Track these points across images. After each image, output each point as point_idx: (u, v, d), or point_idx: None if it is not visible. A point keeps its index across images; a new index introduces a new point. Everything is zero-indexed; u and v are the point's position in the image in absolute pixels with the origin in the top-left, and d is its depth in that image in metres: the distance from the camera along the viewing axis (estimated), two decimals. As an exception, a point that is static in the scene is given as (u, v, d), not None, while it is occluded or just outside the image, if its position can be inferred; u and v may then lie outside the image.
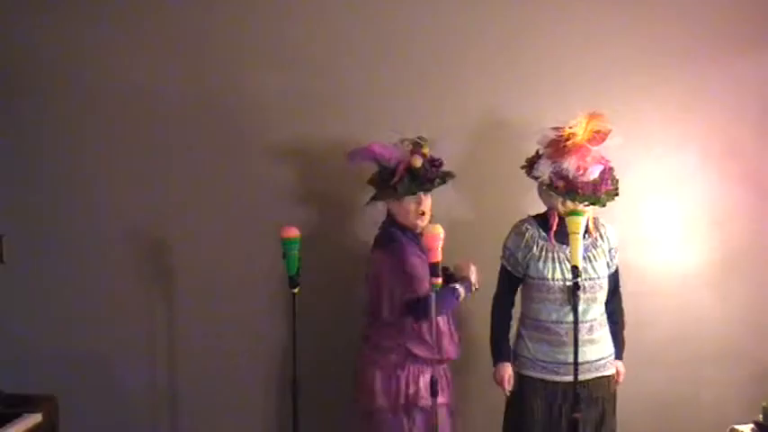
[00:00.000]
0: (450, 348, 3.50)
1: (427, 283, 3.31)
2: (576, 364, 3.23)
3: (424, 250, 3.34)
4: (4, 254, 3.86)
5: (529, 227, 3.53)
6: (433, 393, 3.26)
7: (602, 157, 3.44)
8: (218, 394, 3.93)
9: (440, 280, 3.24)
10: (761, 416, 3.44)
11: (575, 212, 3.28)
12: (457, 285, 3.45)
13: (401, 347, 3.45)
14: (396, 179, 3.45)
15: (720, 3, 3.98)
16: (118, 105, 3.87)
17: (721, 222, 4.02)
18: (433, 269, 3.23)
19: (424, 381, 3.42)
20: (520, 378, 3.54)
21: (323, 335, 3.79)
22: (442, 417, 3.44)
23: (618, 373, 3.58)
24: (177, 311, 3.92)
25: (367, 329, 3.55)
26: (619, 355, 3.58)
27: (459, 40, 3.92)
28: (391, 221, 3.54)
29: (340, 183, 3.91)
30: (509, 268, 3.56)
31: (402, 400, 3.44)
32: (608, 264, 3.53)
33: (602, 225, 3.58)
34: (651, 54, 3.93)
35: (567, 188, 3.39)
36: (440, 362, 3.46)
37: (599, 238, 3.54)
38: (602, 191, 3.41)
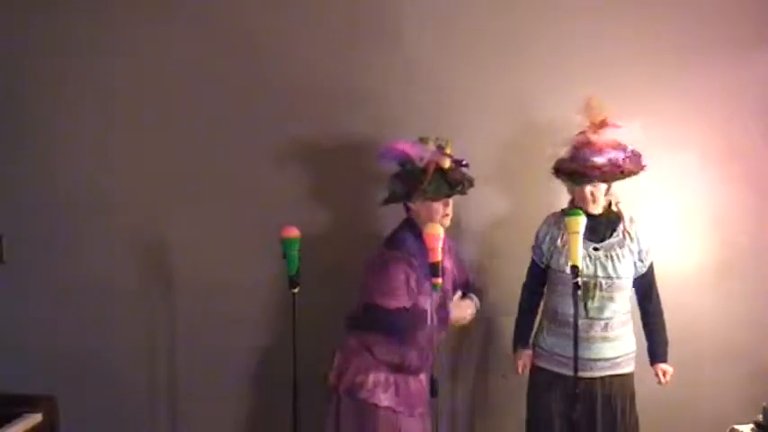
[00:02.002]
0: (420, 357, 3.43)
1: (399, 301, 3.35)
2: (575, 360, 3.23)
3: (445, 261, 3.41)
4: (4, 254, 3.86)
5: (558, 219, 3.56)
6: (433, 393, 3.27)
7: (617, 144, 3.45)
8: (217, 394, 3.94)
9: (440, 280, 3.24)
10: (761, 416, 3.44)
11: (574, 212, 3.29)
12: (449, 310, 3.47)
13: (363, 340, 3.47)
14: (427, 179, 3.41)
15: (721, 2, 3.98)
16: (119, 106, 3.87)
17: (721, 222, 4.01)
18: (433, 269, 3.22)
19: (374, 377, 3.43)
20: (537, 370, 3.57)
21: (323, 335, 3.79)
22: (389, 420, 3.43)
23: (664, 372, 3.57)
24: (177, 311, 3.92)
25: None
26: (661, 357, 3.58)
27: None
28: (409, 221, 3.52)
29: (341, 182, 3.91)
30: (534, 257, 3.62)
31: (346, 385, 3.44)
32: (635, 264, 3.53)
33: (634, 223, 3.56)
34: (651, 54, 3.93)
35: (573, 171, 3.44)
36: (397, 368, 3.44)
37: (627, 238, 3.53)
38: (610, 173, 3.42)
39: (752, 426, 3.47)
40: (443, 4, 3.89)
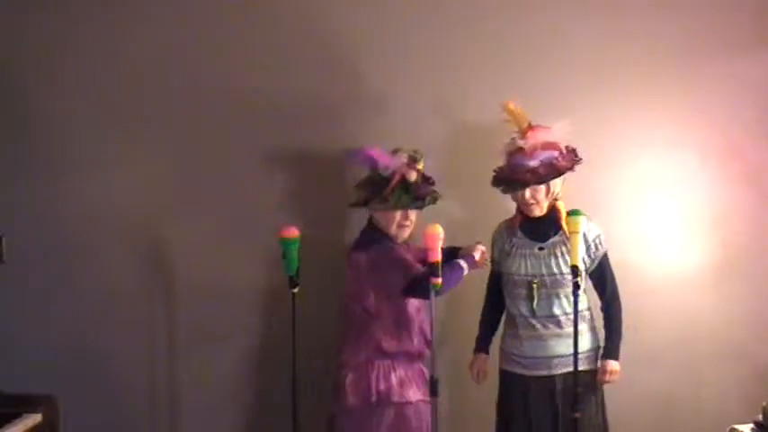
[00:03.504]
0: (421, 339, 3.54)
1: (418, 268, 3.40)
2: (575, 356, 3.25)
3: (418, 251, 3.46)
4: (4, 254, 3.86)
5: (507, 226, 3.64)
6: (433, 393, 3.27)
7: (548, 144, 3.48)
8: (217, 394, 3.93)
9: (440, 280, 3.24)
10: (761, 415, 3.44)
11: (575, 212, 3.29)
12: (459, 260, 3.49)
13: (370, 346, 3.49)
14: (389, 190, 3.48)
15: (720, 2, 3.98)
16: (118, 106, 3.87)
17: (721, 222, 4.02)
18: (433, 269, 3.23)
19: (397, 377, 3.47)
20: (501, 373, 3.62)
21: (323, 335, 3.79)
22: (420, 412, 3.46)
23: (603, 371, 3.51)
24: (177, 311, 3.92)
25: (342, 332, 3.61)
26: (607, 354, 3.53)
27: (455, 42, 3.92)
28: (372, 227, 3.58)
29: (340, 183, 3.91)
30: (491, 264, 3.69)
31: (374, 398, 3.45)
32: (583, 260, 3.51)
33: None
34: (650, 53, 3.94)
35: (508, 178, 3.50)
36: (411, 355, 3.50)
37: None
38: (545, 174, 3.45)
39: (752, 426, 3.46)
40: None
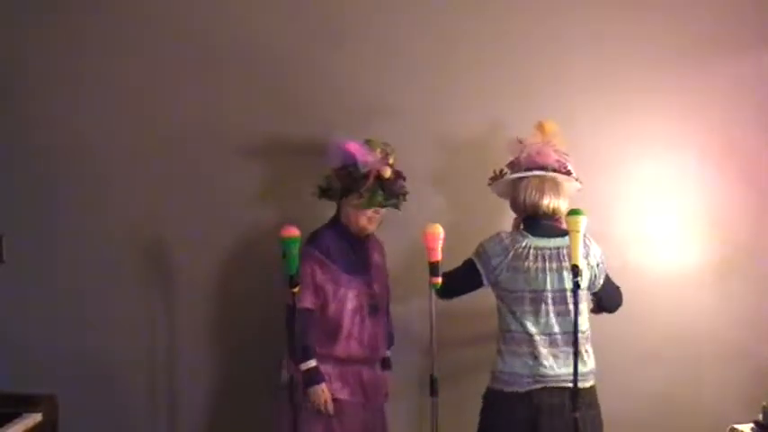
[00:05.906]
0: (356, 344, 3.52)
1: (303, 301, 3.41)
2: (576, 350, 3.16)
3: (374, 256, 3.57)
4: (4, 254, 3.86)
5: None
6: (432, 393, 3.27)
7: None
8: (217, 394, 3.94)
9: (439, 279, 3.25)
10: (761, 415, 3.44)
11: (575, 212, 3.26)
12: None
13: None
14: (366, 186, 3.47)
15: (719, 2, 3.98)
16: (117, 106, 3.87)
17: (721, 222, 4.01)
18: (433, 269, 3.23)
19: (324, 368, 3.47)
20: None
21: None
22: (343, 413, 3.48)
23: None
24: (177, 311, 3.92)
25: None
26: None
27: (451, 43, 3.92)
28: (335, 218, 3.59)
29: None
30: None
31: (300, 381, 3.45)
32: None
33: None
34: (650, 54, 3.94)
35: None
36: (339, 360, 3.50)
37: None
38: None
39: (752, 425, 3.47)
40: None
